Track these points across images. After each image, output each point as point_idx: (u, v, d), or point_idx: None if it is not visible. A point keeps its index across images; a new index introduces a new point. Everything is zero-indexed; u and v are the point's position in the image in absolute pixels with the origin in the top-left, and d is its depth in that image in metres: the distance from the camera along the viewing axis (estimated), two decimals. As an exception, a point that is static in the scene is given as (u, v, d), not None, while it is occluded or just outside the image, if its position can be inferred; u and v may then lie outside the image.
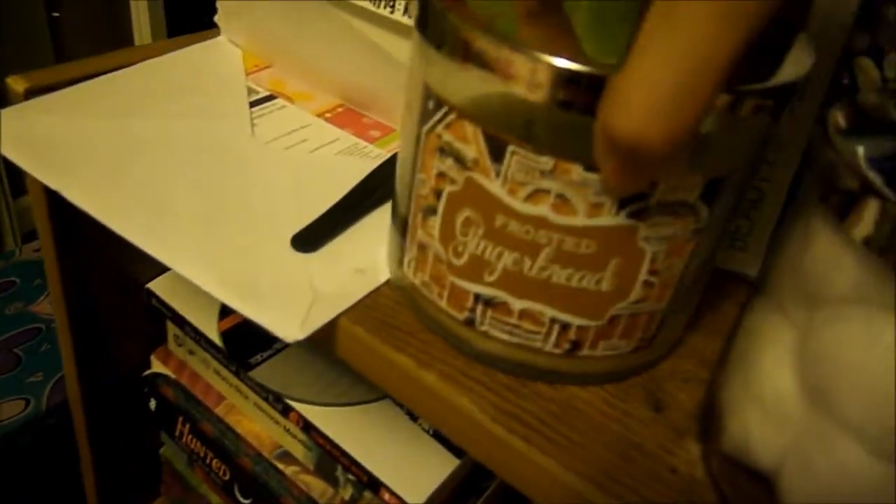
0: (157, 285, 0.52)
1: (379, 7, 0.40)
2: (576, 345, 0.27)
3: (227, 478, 0.53)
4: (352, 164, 0.39)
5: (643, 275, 0.25)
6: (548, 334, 0.26)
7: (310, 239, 0.32)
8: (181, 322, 0.51)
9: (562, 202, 0.23)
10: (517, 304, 0.26)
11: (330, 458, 0.45)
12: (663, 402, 0.29)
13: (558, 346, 0.27)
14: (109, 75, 0.42)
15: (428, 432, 0.45)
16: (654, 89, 0.17)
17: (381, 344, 0.29)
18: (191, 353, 0.54)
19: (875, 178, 0.18)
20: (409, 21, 0.39)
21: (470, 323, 0.27)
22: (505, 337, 0.27)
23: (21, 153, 0.35)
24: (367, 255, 0.32)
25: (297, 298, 0.29)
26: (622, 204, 0.23)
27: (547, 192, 0.23)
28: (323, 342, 0.30)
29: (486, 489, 0.50)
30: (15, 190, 1.57)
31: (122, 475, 0.64)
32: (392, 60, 0.40)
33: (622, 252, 0.24)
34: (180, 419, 0.56)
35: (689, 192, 0.23)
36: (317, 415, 0.46)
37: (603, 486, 0.25)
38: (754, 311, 0.25)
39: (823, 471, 0.21)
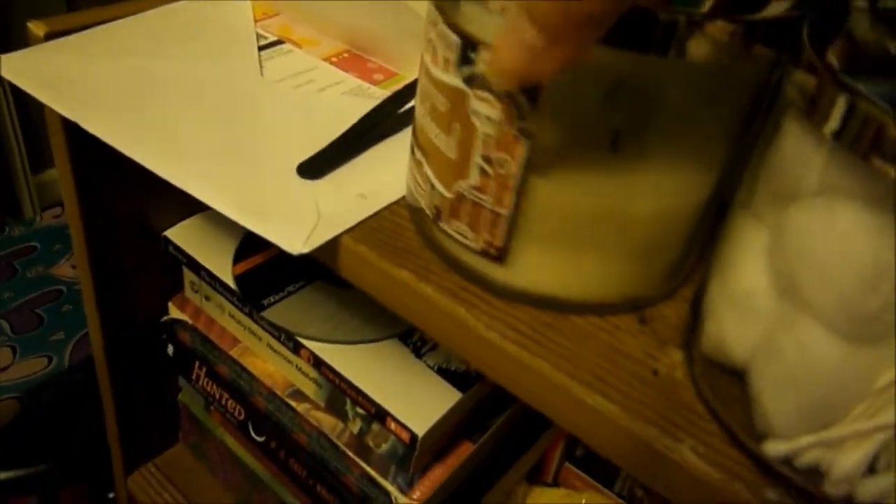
0: (173, 233, 0.55)
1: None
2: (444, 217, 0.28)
3: (241, 417, 0.56)
4: (356, 103, 0.41)
5: (477, 156, 0.26)
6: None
7: (315, 167, 0.34)
8: (197, 268, 0.53)
9: (432, 54, 0.27)
10: (437, 184, 0.29)
11: (339, 392, 0.47)
12: (649, 315, 0.30)
13: (444, 221, 0.29)
14: (124, 20, 0.44)
15: (432, 369, 0.47)
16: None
17: (383, 260, 0.31)
18: (206, 298, 0.56)
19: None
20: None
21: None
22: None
23: (41, 89, 0.37)
24: (369, 183, 0.34)
25: (302, 218, 0.31)
26: (459, 62, 0.25)
27: (430, 41, 0.27)
28: (328, 258, 0.32)
29: (489, 426, 0.52)
30: (34, 165, 1.60)
31: (143, 423, 0.66)
32: (396, 7, 0.41)
33: (460, 118, 0.26)
34: (197, 363, 0.58)
35: None
36: (327, 352, 0.47)
37: (590, 384, 0.27)
38: (731, 220, 0.26)
39: (789, 353, 0.22)
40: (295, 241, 0.30)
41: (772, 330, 0.23)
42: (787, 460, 0.24)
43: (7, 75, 0.38)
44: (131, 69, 0.40)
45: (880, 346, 0.21)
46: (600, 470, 0.51)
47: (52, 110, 0.41)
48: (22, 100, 1.45)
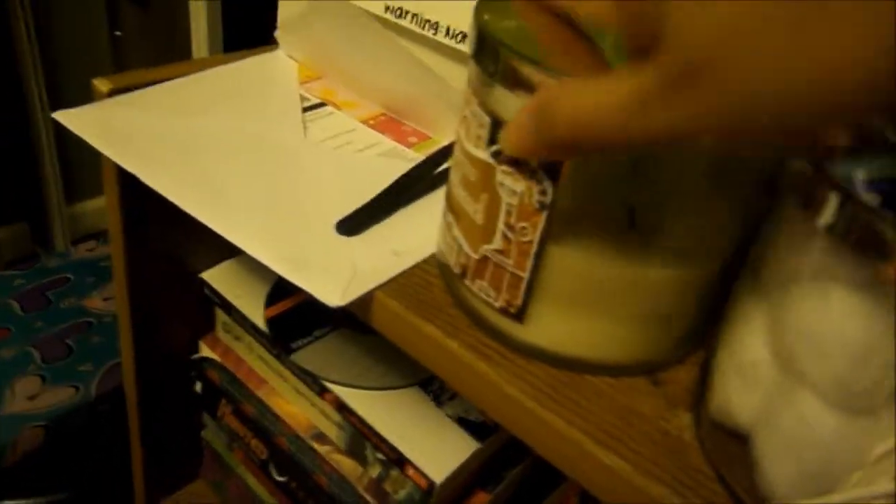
0: (210, 276, 0.57)
1: (424, 29, 0.44)
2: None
3: (264, 457, 0.58)
4: (391, 164, 0.43)
5: (501, 223, 0.29)
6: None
7: (353, 224, 0.37)
8: (230, 309, 0.56)
9: (466, 129, 0.30)
10: (465, 245, 0.31)
11: (361, 437, 0.49)
12: (662, 378, 0.32)
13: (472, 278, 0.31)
14: (180, 79, 0.48)
15: (452, 418, 0.49)
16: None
17: (412, 315, 0.33)
18: (237, 339, 0.58)
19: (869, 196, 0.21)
20: (449, 42, 0.43)
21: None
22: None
23: (103, 142, 0.40)
24: (402, 241, 0.36)
25: (339, 272, 0.34)
26: (489, 140, 0.28)
27: (465, 118, 0.30)
28: (361, 311, 0.34)
29: (504, 478, 0.53)
30: (69, 197, 1.66)
31: (166, 457, 0.68)
32: (432, 75, 0.44)
33: (488, 189, 0.29)
34: (223, 401, 0.60)
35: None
36: (351, 397, 0.49)
37: (603, 442, 0.29)
38: (738, 294, 0.28)
39: (787, 422, 0.24)
40: (333, 294, 0.32)
41: (773, 399, 0.25)
42: (788, 523, 0.25)
43: (74, 128, 0.41)
44: (185, 125, 0.43)
45: (873, 418, 0.23)
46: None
47: (107, 159, 0.45)
48: (60, 133, 1.52)
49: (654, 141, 0.20)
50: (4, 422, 0.91)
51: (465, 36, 0.43)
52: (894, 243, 0.20)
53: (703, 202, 0.30)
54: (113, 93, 0.45)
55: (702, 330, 0.33)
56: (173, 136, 0.42)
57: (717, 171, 0.29)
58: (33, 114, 1.48)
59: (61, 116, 0.42)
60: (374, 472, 0.50)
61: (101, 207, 1.77)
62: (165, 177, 0.39)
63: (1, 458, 0.89)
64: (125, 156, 0.40)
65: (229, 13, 1.49)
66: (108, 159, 0.45)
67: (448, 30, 0.44)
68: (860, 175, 0.27)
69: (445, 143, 0.45)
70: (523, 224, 0.28)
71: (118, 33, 1.60)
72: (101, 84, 0.45)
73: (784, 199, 0.25)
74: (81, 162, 1.64)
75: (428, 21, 0.44)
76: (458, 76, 0.45)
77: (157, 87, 0.47)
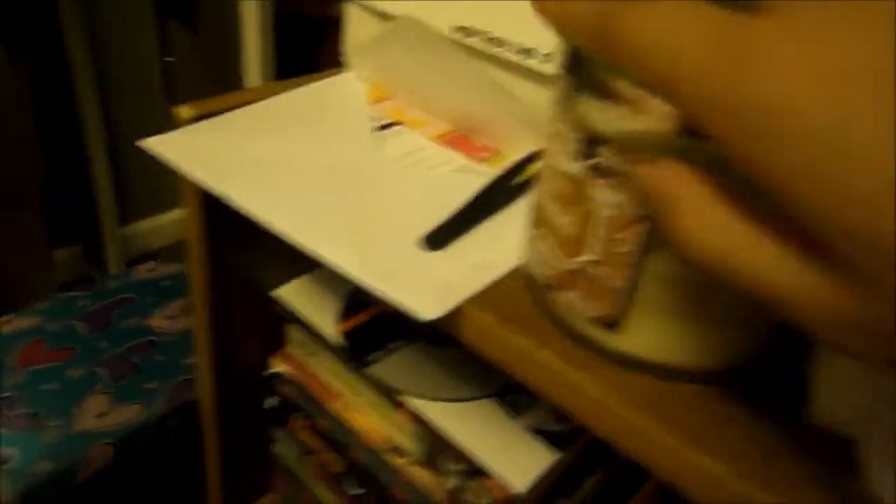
0: (283, 292, 0.59)
1: (492, 47, 0.45)
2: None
3: (339, 470, 0.59)
4: (464, 179, 0.44)
5: (596, 234, 0.30)
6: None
7: (438, 239, 0.38)
8: (304, 325, 0.57)
9: (557, 144, 0.31)
10: (556, 257, 0.32)
11: (437, 449, 0.50)
12: (753, 382, 0.33)
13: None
14: (259, 104, 0.49)
15: (528, 429, 0.50)
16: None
17: (502, 328, 0.34)
18: (310, 354, 0.59)
19: None
20: (516, 58, 0.44)
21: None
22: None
23: (190, 166, 0.42)
24: (485, 254, 0.37)
25: (428, 287, 0.35)
26: (583, 155, 0.29)
27: (554, 134, 0.31)
28: (451, 325, 0.35)
29: (581, 486, 0.53)
30: (120, 219, 1.71)
31: (239, 471, 0.70)
32: (501, 92, 0.45)
33: (581, 202, 0.30)
34: (296, 416, 0.61)
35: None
36: (427, 408, 0.50)
37: (700, 446, 0.29)
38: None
39: (893, 422, 0.24)
40: (426, 308, 0.33)
41: (877, 399, 0.25)
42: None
43: (160, 154, 0.43)
44: (265, 147, 0.45)
45: None
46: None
47: (186, 181, 0.46)
48: (113, 155, 1.57)
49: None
50: (75, 440, 0.94)
51: (529, 52, 0.44)
52: None
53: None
54: (194, 119, 0.47)
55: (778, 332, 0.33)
56: (255, 159, 0.44)
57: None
58: (89, 137, 1.53)
59: (150, 144, 0.43)
60: (451, 483, 0.51)
61: (151, 229, 1.82)
62: (253, 198, 0.40)
63: (73, 475, 0.92)
64: (213, 179, 0.41)
65: (276, 41, 1.53)
66: (188, 183, 0.47)
67: (515, 47, 0.45)
68: None
69: (516, 157, 0.46)
70: (621, 235, 0.29)
71: (169, 59, 1.66)
72: (182, 111, 0.47)
73: None
74: (132, 185, 1.70)
75: (496, 39, 0.45)
76: (526, 91, 0.45)
77: (236, 112, 0.49)
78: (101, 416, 0.97)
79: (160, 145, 0.44)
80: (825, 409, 0.28)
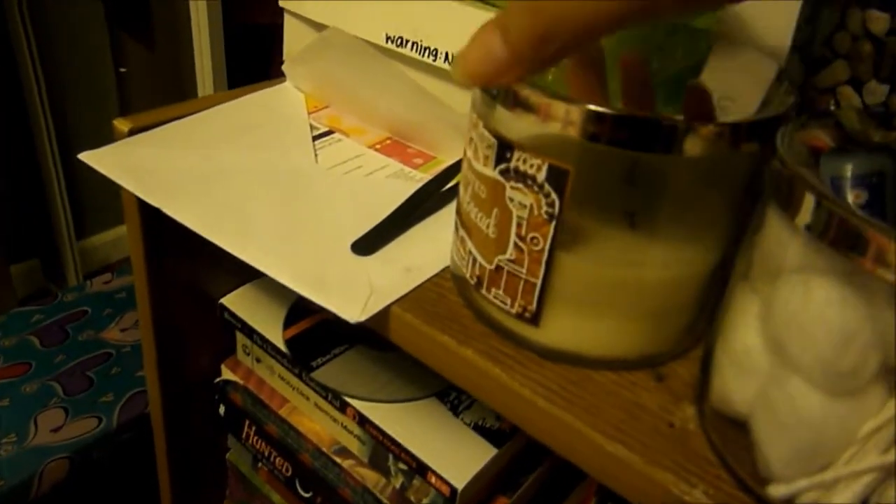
0: (228, 301, 0.60)
1: (424, 56, 0.47)
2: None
3: (289, 474, 0.59)
4: (399, 185, 0.46)
5: (513, 234, 0.31)
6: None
7: (368, 244, 0.39)
8: (250, 332, 0.58)
9: (474, 150, 0.32)
10: (479, 257, 0.34)
11: (383, 449, 0.51)
12: (664, 373, 0.34)
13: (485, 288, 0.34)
14: (194, 115, 0.50)
15: (469, 426, 0.51)
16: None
17: (427, 327, 0.35)
18: (257, 360, 0.60)
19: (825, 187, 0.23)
20: (448, 67, 0.46)
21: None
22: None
23: (126, 178, 0.43)
24: (414, 257, 0.39)
25: (357, 291, 0.36)
26: (496, 159, 0.30)
27: (472, 140, 0.32)
28: (379, 326, 0.36)
29: (522, 483, 0.55)
30: (79, 232, 1.69)
31: (193, 481, 0.70)
32: (434, 100, 0.47)
33: (498, 204, 0.31)
34: (247, 422, 0.62)
35: (536, 170, 0.29)
36: (371, 410, 0.51)
37: (613, 435, 0.31)
38: (732, 288, 0.30)
39: (781, 405, 0.26)
40: (353, 311, 0.34)
41: (766, 385, 0.27)
42: (790, 501, 0.27)
43: (99, 168, 0.43)
44: (202, 158, 0.46)
45: (858, 397, 0.25)
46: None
47: (127, 194, 0.47)
48: (69, 168, 1.55)
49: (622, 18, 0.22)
50: (29, 455, 0.93)
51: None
52: (868, 238, 0.22)
53: (697, 206, 0.32)
54: (132, 132, 0.47)
55: (701, 325, 0.35)
56: (192, 170, 0.45)
57: (704, 174, 0.32)
58: (42, 150, 1.51)
59: (87, 157, 0.44)
60: (397, 482, 0.52)
61: (110, 241, 1.80)
62: (188, 209, 0.41)
63: (28, 491, 0.91)
64: (149, 191, 0.42)
65: (229, 50, 1.53)
66: (129, 195, 0.48)
67: (447, 55, 0.46)
68: (847, 171, 0.29)
69: (449, 162, 0.47)
70: (534, 234, 0.30)
71: (123, 70, 1.64)
72: (121, 124, 0.48)
73: (766, 201, 0.27)
74: (89, 198, 1.68)
75: (427, 48, 0.47)
76: (458, 100, 0.47)
77: (174, 124, 0.49)
78: (57, 430, 0.97)
79: (98, 158, 0.45)
80: (721, 395, 0.29)
